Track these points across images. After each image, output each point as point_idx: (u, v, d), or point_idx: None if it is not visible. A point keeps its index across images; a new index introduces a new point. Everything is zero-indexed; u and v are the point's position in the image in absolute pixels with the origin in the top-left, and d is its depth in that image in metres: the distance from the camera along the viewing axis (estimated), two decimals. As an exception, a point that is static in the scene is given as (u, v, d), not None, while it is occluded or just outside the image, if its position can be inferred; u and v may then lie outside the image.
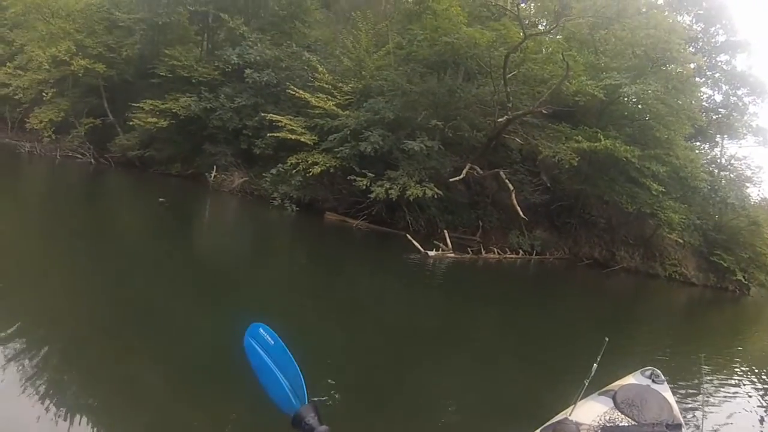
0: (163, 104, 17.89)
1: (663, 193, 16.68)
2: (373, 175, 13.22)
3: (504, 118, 12.66)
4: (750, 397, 6.21)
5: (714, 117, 22.24)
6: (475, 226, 15.93)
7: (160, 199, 12.67)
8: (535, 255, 15.81)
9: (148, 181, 18.16)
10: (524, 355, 6.21)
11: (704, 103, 22.38)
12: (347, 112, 14.60)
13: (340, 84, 15.63)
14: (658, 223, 18.26)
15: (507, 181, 13.26)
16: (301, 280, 8.23)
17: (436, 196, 13.04)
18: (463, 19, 13.27)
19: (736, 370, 7.56)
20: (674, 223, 17.06)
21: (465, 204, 16.17)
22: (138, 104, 18.08)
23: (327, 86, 15.46)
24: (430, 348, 5.81)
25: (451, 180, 13.25)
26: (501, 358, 5.95)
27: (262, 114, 15.60)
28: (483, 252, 13.13)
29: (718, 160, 23.45)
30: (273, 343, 1.54)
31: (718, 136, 23.20)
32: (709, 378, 6.19)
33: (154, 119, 17.76)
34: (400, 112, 13.81)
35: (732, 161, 22.57)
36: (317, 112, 14.87)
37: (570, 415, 2.32)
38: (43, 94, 19.51)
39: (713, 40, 22.54)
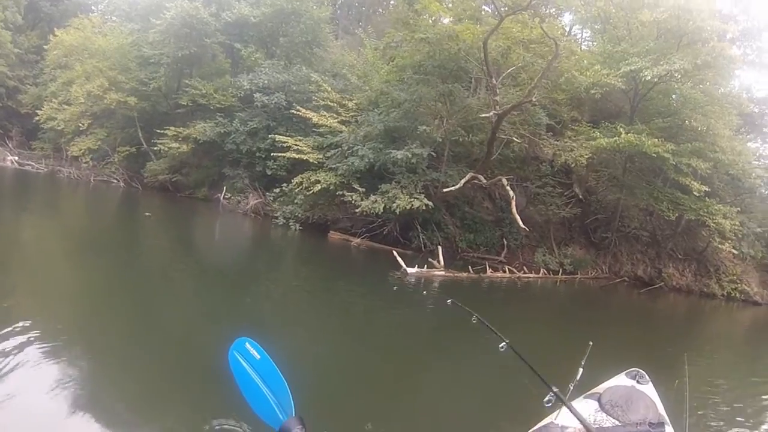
0: (185, 130, 18.68)
1: (710, 195, 14.87)
2: (363, 190, 12.76)
3: (492, 113, 11.61)
4: (736, 393, 6.16)
5: (766, 109, 19.81)
6: (500, 245, 14.86)
7: (146, 213, 13.54)
8: (562, 274, 14.41)
9: (169, 203, 19.07)
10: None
11: (756, 94, 20.10)
12: (350, 128, 14.32)
13: (345, 101, 15.47)
14: (711, 233, 16.33)
15: (508, 188, 12.16)
16: (287, 296, 8.27)
17: (425, 208, 12.28)
18: (444, 14, 12.51)
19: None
20: (726, 230, 14.98)
21: (489, 222, 15.25)
22: (163, 131, 18.97)
23: (333, 104, 15.38)
24: (411, 363, 5.91)
25: (445, 191, 12.40)
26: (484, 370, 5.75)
27: (271, 136, 15.71)
28: (489, 271, 12.04)
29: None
30: (259, 357, 1.57)
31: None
32: (696, 378, 5.75)
33: (177, 144, 18.61)
34: (397, 123, 13.28)
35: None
36: (321, 130, 14.76)
37: (555, 419, 2.29)
38: (80, 124, 21.07)
39: (755, 22, 20.24)
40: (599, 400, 2.47)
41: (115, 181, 22.21)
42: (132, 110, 20.95)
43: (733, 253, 16.77)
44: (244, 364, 1.57)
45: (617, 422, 2.27)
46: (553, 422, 2.24)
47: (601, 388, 2.70)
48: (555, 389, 2.14)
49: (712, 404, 5.53)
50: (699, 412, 4.99)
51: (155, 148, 19.80)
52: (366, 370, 5.26)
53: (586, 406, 2.49)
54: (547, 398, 2.16)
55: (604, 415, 2.34)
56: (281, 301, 7.72)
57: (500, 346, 2.84)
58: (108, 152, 22.35)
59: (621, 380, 2.87)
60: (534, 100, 12.37)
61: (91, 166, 22.68)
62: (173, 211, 17.97)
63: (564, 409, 2.24)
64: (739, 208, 16.08)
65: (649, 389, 2.78)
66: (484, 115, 12.12)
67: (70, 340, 4.54)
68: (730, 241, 16.30)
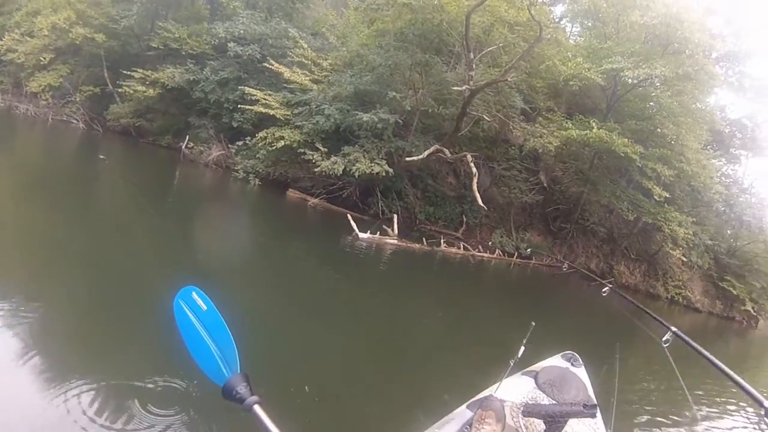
0: (153, 74, 17.82)
1: (669, 202, 15.28)
2: (326, 150, 12.48)
3: (465, 87, 11.49)
4: (660, 387, 6.39)
5: (736, 131, 20.45)
6: (459, 221, 14.89)
7: (101, 156, 12.86)
8: (517, 257, 14.56)
9: (130, 149, 18.41)
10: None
11: (730, 115, 20.72)
12: (320, 86, 13.95)
13: (321, 60, 15.05)
14: (665, 238, 16.88)
15: (472, 164, 12.14)
16: (237, 250, 7.99)
17: (385, 174, 12.09)
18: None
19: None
20: (679, 237, 15.53)
21: (451, 197, 15.23)
22: (130, 73, 18.06)
23: (307, 62, 14.94)
24: (359, 325, 5.89)
25: (408, 159, 12.27)
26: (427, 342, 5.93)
27: (241, 87, 15.17)
28: (443, 245, 12.01)
29: (741, 182, 21.72)
30: (206, 308, 1.47)
31: (742, 152, 21.37)
32: (624, 369, 6.20)
33: (143, 88, 17.77)
34: (368, 87, 12.99)
35: (753, 184, 20.90)
36: (292, 87, 14.34)
37: (495, 392, 2.36)
38: (41, 59, 19.86)
39: (742, 46, 20.71)
40: (536, 378, 2.58)
41: (75, 121, 21.03)
42: (99, 48, 19.81)
43: (682, 260, 17.45)
44: (190, 314, 1.47)
45: (553, 400, 2.37)
46: (493, 395, 2.27)
47: (538, 366, 2.84)
48: (674, 329, 2.36)
49: (637, 394, 5.85)
50: (624, 399, 5.21)
51: (120, 90, 18.81)
52: (309, 330, 5.18)
53: (524, 382, 2.60)
54: (665, 338, 2.37)
55: (540, 392, 2.44)
56: (230, 255, 7.46)
57: (603, 291, 3.48)
58: (70, 91, 21.15)
59: (557, 361, 3.01)
60: (509, 80, 12.29)
61: (50, 104, 21.43)
62: (132, 157, 17.30)
63: (504, 382, 2.41)
64: (694, 219, 16.62)
65: (581, 372, 2.91)
66: (456, 88, 11.96)
67: (12, 282, 4.28)
68: (681, 249, 16.97)
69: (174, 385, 3.16)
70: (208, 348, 1.42)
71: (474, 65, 11.70)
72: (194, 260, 6.56)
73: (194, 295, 1.49)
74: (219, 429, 2.88)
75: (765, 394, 1.86)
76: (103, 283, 4.88)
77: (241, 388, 1.33)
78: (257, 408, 1.28)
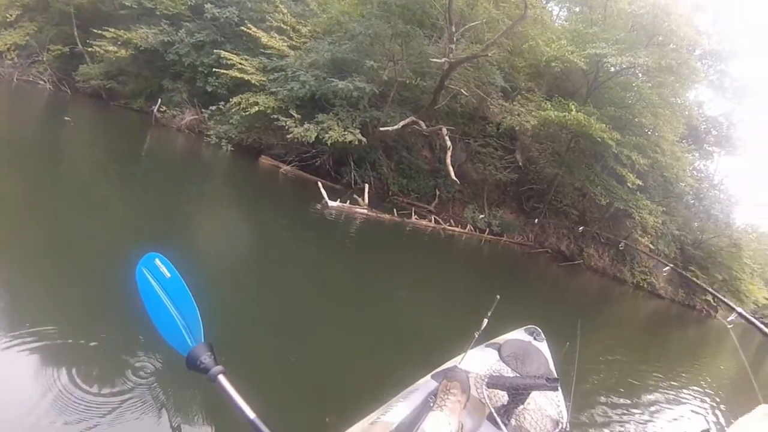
0: (126, 34, 17.12)
1: (641, 191, 15.59)
2: (299, 117, 12.20)
3: (444, 60, 11.38)
4: (618, 367, 6.56)
5: (711, 128, 20.88)
6: (432, 195, 14.88)
7: (66, 118, 12.54)
8: (488, 234, 14.66)
9: (99, 111, 17.71)
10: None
11: (707, 112, 21.13)
12: (297, 53, 13.63)
13: (300, 26, 14.68)
14: (635, 225, 17.27)
15: (447, 138, 12.06)
16: (203, 216, 7.71)
17: (358, 143, 11.84)
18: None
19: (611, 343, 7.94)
20: (648, 225, 15.94)
21: (425, 170, 15.16)
22: (101, 32, 17.31)
23: (286, 27, 14.57)
24: (325, 294, 5.84)
25: (382, 129, 12.13)
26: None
27: (216, 51, 14.70)
28: (414, 217, 11.97)
29: (712, 177, 22.32)
30: (169, 276, 1.43)
31: (715, 148, 21.88)
32: (585, 347, 6.03)
33: (115, 48, 17.09)
34: (346, 55, 12.74)
35: (723, 181, 21.58)
36: (269, 52, 13.99)
37: (460, 363, 2.39)
38: (7, 15, 18.92)
39: (726, 46, 20.99)
40: (499, 351, 2.62)
41: (42, 82, 20.17)
42: (68, 5, 18.94)
43: (650, 248, 17.87)
44: (153, 282, 1.42)
45: (516, 373, 2.42)
46: (458, 366, 2.32)
47: (501, 339, 2.88)
48: (739, 310, 2.51)
49: (595, 372, 6.01)
50: (583, 372, 5.34)
51: (91, 50, 18.08)
52: (274, 299, 5.00)
53: (488, 354, 2.64)
54: (730, 318, 2.53)
55: (504, 365, 2.49)
56: (197, 221, 7.20)
57: (664, 270, 4.01)
58: (37, 50, 20.21)
59: (520, 335, 3.06)
60: (490, 55, 12.18)
61: (16, 63, 20.45)
62: (101, 120, 16.65)
63: (468, 353, 2.42)
64: (664, 209, 17.00)
65: (543, 346, 2.97)
66: (436, 60, 11.80)
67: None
68: (649, 236, 17.38)
69: (134, 355, 2.95)
70: (172, 317, 1.37)
71: (455, 39, 11.52)
72: (159, 227, 6.30)
73: (158, 262, 1.43)
74: (182, 401, 2.71)
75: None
76: (62, 250, 4.54)
77: (206, 358, 1.29)
78: (221, 378, 1.24)
